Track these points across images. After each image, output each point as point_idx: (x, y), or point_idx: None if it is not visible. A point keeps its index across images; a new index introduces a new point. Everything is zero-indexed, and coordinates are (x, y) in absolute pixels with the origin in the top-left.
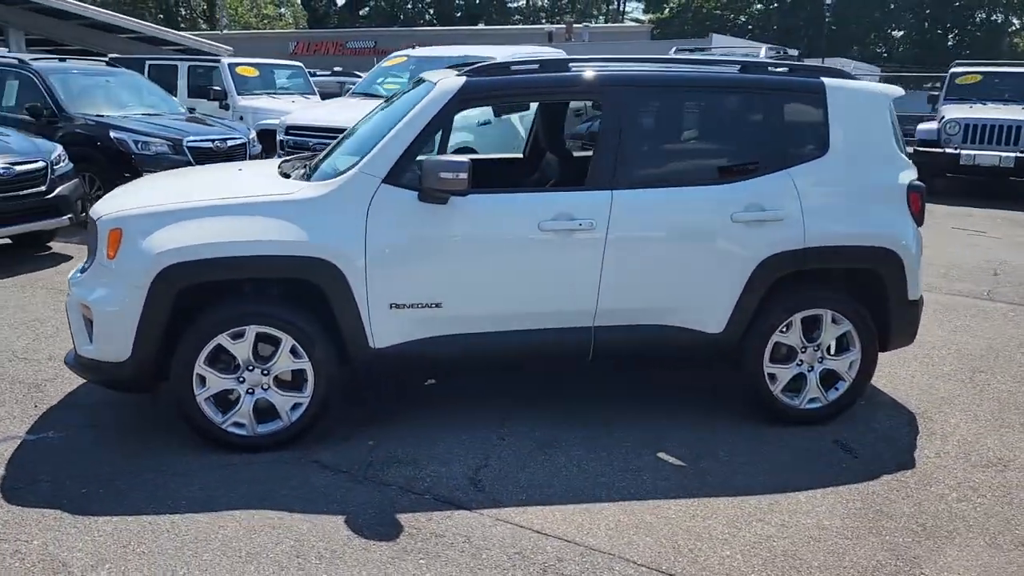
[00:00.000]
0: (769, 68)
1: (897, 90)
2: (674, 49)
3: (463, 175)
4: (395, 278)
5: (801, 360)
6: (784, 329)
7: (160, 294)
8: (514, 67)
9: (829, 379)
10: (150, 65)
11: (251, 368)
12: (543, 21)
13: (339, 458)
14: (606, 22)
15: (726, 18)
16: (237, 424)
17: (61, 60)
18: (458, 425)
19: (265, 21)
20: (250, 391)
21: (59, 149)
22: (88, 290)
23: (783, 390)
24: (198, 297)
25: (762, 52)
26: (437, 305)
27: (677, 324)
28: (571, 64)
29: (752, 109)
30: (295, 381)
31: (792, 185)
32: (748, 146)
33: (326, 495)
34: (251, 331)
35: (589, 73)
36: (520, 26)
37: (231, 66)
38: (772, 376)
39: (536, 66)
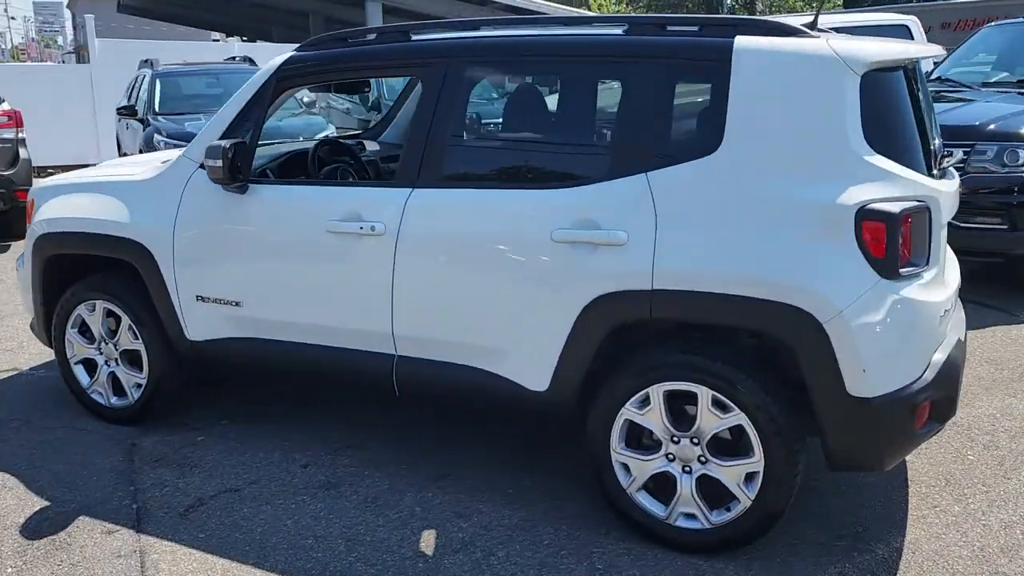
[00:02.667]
0: (667, 28)
1: (888, 51)
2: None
3: (217, 163)
4: (198, 269)
5: (671, 454)
6: (639, 404)
7: (37, 260)
8: (351, 40)
9: (721, 494)
10: None
11: (105, 341)
12: None
13: (153, 446)
14: None
15: None
16: (98, 392)
17: None
18: (296, 443)
19: (812, 5)
20: (107, 363)
21: (329, 130)
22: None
23: (644, 491)
24: (79, 267)
25: None
26: (237, 304)
27: (490, 369)
28: (413, 32)
29: (613, 84)
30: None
31: (648, 194)
32: (596, 136)
33: (76, 477)
34: (100, 306)
35: (412, 43)
36: None
37: None
38: (624, 467)
39: (372, 36)
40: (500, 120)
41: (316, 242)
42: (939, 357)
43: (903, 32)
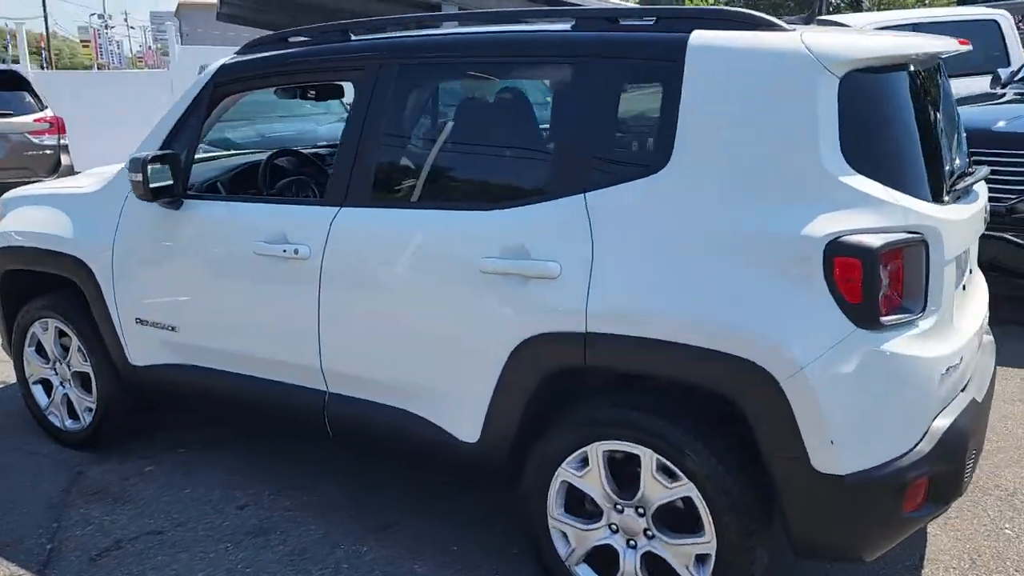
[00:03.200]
0: (620, 22)
1: (881, 46)
2: None
3: (138, 177)
4: (137, 289)
5: (614, 524)
6: (577, 464)
7: None
8: (292, 40)
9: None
10: None
11: (60, 362)
12: None
13: (100, 475)
14: None
15: None
16: (54, 414)
17: None
18: (243, 479)
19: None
20: (61, 384)
21: None
22: None
23: (586, 564)
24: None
25: None
26: (173, 328)
27: (422, 415)
28: (353, 32)
29: (554, 88)
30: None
31: (585, 219)
32: (534, 148)
33: (7, 509)
34: (52, 325)
35: (344, 45)
36: None
37: None
38: (563, 535)
39: (308, 38)
40: (438, 128)
41: (245, 265)
42: (941, 423)
43: (991, 29)
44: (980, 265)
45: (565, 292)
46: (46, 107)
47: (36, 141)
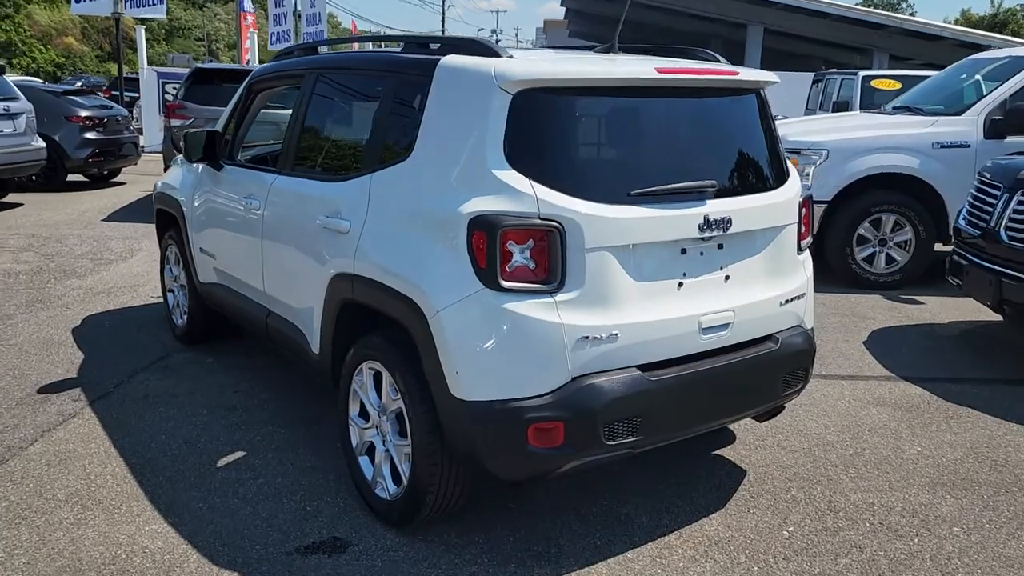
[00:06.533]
0: (430, 46)
1: (566, 71)
2: None
3: (181, 145)
4: (200, 227)
5: (377, 428)
6: (360, 378)
7: None
8: (295, 52)
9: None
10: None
11: (176, 278)
12: None
13: (176, 359)
14: None
15: None
16: (175, 314)
17: None
18: (252, 378)
19: None
20: (178, 292)
21: None
22: None
23: (366, 456)
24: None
25: None
26: (212, 256)
27: (303, 331)
28: (320, 49)
29: (370, 96)
30: None
31: (367, 192)
32: (358, 140)
33: (111, 362)
34: (172, 250)
35: (299, 59)
36: None
37: (866, 78)
38: (354, 431)
39: (296, 51)
40: (322, 123)
41: (238, 212)
42: (580, 383)
43: None
44: None
45: (348, 244)
46: None
47: None
